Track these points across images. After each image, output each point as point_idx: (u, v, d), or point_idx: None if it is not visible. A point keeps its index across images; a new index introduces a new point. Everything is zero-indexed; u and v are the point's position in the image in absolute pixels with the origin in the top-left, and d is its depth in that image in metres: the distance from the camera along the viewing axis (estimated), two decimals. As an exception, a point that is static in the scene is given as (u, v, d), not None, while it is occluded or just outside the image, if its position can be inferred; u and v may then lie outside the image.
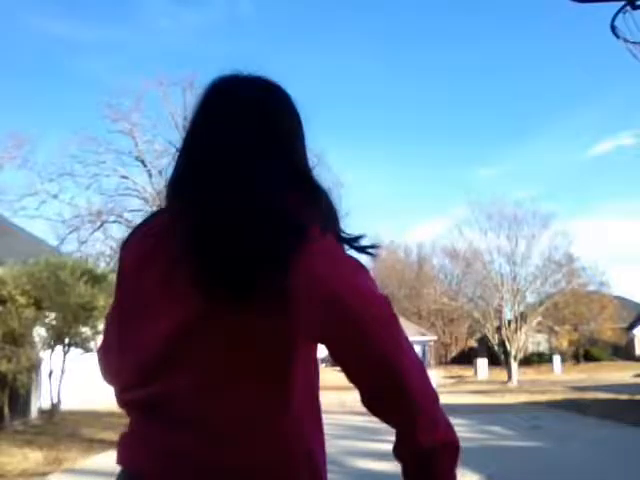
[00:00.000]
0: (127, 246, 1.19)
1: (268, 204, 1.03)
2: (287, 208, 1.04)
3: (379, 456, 7.06)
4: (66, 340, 10.66)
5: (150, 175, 28.72)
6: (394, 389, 0.96)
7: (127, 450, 1.08)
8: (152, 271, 1.08)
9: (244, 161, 1.09)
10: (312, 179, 1.18)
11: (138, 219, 28.57)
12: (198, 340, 1.02)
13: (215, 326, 1.01)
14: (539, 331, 36.71)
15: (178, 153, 1.24)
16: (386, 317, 0.98)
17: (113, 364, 1.18)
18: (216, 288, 0.98)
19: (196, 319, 1.02)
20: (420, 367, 0.99)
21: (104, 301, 10.45)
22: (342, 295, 0.96)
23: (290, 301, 0.97)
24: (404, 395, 0.96)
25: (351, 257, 1.06)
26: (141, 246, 1.14)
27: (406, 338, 1.00)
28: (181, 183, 1.16)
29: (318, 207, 1.10)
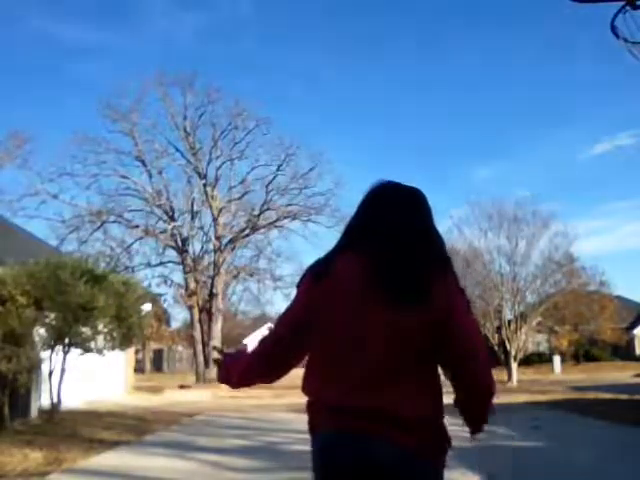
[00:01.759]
0: (317, 287, 1.78)
1: (436, 253, 1.85)
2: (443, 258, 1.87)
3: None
4: (66, 340, 10.65)
5: (150, 175, 28.72)
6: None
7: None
8: (363, 311, 1.73)
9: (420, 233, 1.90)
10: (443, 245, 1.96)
11: (138, 219, 28.62)
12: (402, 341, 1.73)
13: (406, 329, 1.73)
14: (539, 331, 36.69)
15: (357, 221, 1.94)
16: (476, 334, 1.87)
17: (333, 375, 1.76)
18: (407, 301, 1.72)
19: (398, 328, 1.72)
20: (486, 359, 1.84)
21: (104, 301, 10.44)
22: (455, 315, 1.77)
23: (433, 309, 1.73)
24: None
25: (463, 292, 1.84)
26: (336, 291, 1.76)
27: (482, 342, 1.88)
28: (373, 240, 1.82)
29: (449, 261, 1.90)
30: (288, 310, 1.89)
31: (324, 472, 1.76)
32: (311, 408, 1.84)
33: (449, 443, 1.80)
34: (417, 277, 1.74)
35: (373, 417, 1.68)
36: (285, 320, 1.89)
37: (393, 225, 1.84)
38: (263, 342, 1.95)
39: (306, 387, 1.84)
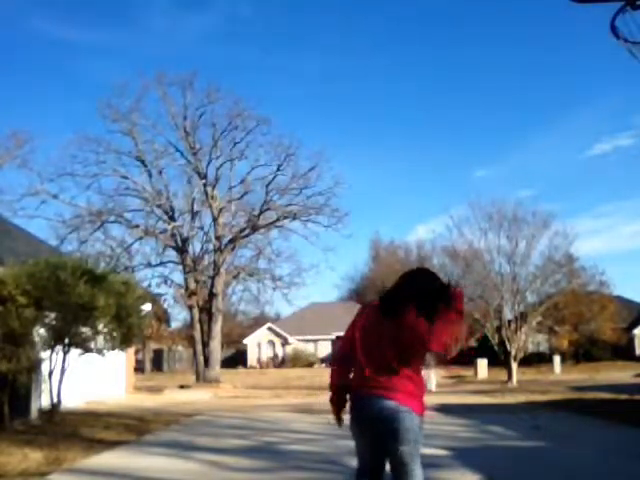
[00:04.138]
0: (360, 316, 3.40)
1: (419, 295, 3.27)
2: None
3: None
4: (66, 340, 10.65)
5: (150, 175, 28.70)
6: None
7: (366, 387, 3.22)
8: (376, 328, 3.27)
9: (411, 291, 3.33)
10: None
11: (138, 219, 28.59)
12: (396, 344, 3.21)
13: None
14: (539, 331, 36.67)
15: (398, 287, 3.41)
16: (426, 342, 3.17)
17: (362, 364, 3.27)
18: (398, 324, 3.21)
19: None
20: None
21: (104, 301, 10.43)
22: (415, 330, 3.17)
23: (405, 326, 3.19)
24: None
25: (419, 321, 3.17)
26: (367, 318, 3.37)
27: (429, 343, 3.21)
28: (390, 297, 3.35)
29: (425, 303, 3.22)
30: (347, 331, 3.46)
31: (360, 415, 3.21)
32: (353, 384, 3.31)
33: (423, 405, 3.24)
34: (397, 307, 3.23)
35: (382, 387, 3.14)
36: (345, 337, 3.47)
37: (395, 286, 3.41)
38: (335, 357, 3.64)
39: (353, 374, 3.39)
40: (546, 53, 72.52)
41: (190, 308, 28.48)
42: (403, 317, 3.14)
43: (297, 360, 49.67)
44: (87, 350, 11.03)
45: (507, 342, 27.01)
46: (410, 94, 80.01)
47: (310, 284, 73.79)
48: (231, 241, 28.77)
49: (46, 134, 62.02)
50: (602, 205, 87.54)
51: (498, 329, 27.87)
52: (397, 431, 3.08)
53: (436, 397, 16.42)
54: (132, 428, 10.23)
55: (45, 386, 10.98)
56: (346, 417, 3.35)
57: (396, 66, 76.46)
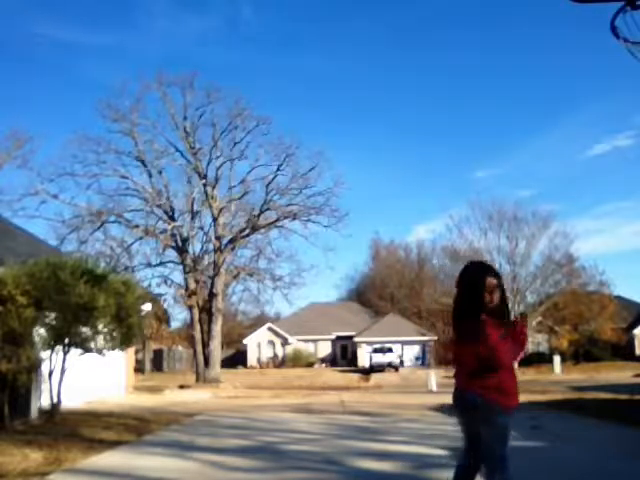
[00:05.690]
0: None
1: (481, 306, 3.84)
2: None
3: (379, 456, 7.02)
4: (66, 340, 10.65)
5: (150, 175, 28.72)
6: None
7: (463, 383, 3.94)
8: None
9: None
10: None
11: (138, 219, 28.65)
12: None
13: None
14: (539, 331, 36.68)
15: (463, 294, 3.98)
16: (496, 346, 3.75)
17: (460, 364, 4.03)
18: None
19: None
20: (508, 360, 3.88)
21: (104, 301, 10.43)
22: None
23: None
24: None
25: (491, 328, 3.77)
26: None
27: (501, 350, 3.77)
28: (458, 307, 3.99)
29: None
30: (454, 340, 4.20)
31: (456, 403, 3.94)
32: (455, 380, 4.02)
33: (504, 396, 3.76)
34: (469, 326, 3.78)
35: (466, 384, 3.83)
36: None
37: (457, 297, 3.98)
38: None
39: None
40: (546, 53, 72.59)
41: (190, 308, 28.48)
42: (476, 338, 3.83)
43: (297, 360, 49.69)
44: (87, 350, 11.02)
45: (507, 342, 26.99)
46: (410, 94, 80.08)
47: (310, 284, 73.85)
48: (231, 241, 28.77)
49: (46, 134, 62.12)
50: (602, 205, 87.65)
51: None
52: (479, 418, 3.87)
53: (436, 397, 16.41)
54: (132, 428, 10.23)
55: (45, 386, 10.98)
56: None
57: (396, 67, 76.53)
